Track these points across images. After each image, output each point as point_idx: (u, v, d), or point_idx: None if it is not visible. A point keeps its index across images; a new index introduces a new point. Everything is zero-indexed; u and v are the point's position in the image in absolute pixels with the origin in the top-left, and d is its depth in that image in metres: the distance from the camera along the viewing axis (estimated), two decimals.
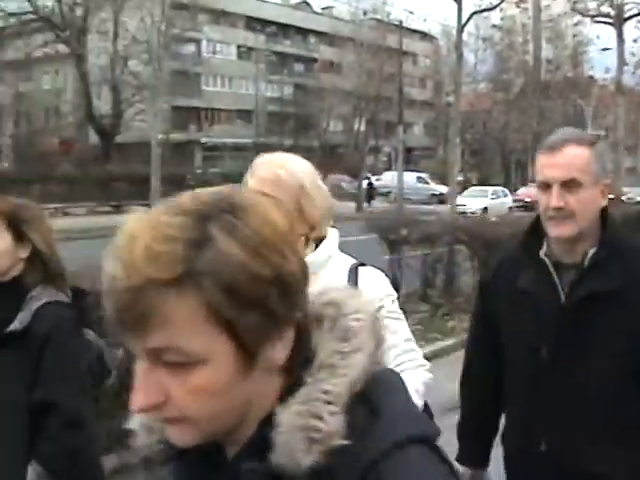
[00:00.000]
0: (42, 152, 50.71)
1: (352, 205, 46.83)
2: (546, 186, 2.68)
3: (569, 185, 2.64)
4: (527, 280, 2.79)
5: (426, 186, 55.20)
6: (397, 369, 2.54)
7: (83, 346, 3.14)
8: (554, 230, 2.69)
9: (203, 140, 65.77)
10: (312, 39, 76.84)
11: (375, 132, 55.46)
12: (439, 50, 71.77)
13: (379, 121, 53.63)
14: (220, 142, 65.55)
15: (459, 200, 40.96)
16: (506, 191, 49.32)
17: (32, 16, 48.65)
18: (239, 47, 69.72)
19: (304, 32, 76.32)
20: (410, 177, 51.96)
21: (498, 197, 47.02)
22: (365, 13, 59.38)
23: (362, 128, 51.33)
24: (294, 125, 69.09)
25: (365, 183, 50.63)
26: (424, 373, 2.83)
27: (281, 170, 2.71)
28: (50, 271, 3.08)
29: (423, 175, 58.82)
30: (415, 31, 67.46)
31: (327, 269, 2.74)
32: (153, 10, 39.90)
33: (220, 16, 59.40)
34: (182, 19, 45.88)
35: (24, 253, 3.04)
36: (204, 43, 62.98)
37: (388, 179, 54.15)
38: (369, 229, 14.54)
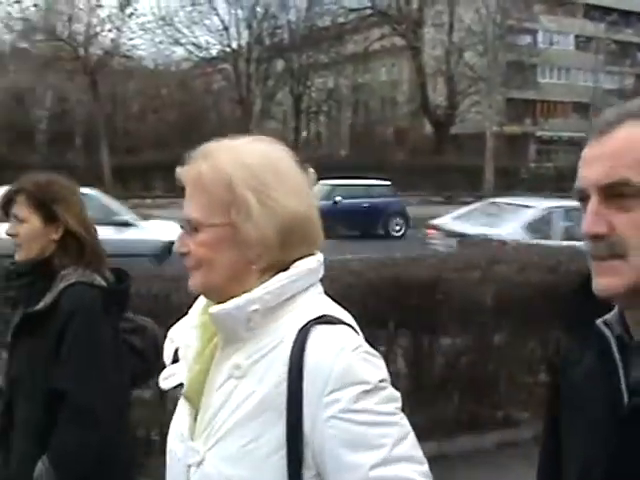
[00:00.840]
0: (377, 141, 52.34)
1: None
2: (584, 197, 1.51)
3: (616, 193, 1.44)
4: (585, 366, 1.65)
5: None
6: None
7: (114, 334, 2.87)
8: (596, 279, 1.49)
9: (538, 133, 64.82)
10: None
11: None
12: None
13: None
14: (555, 136, 64.34)
15: None
16: None
17: (370, 11, 51.00)
18: (577, 37, 67.93)
19: None
20: None
21: None
22: None
23: None
24: None
25: None
26: None
27: (204, 163, 1.71)
28: (86, 252, 2.87)
29: None
30: None
31: (270, 327, 1.67)
32: (488, 1, 40.12)
33: (557, 5, 58.35)
34: (518, 10, 45.62)
35: (56, 234, 2.87)
36: (540, 34, 61.97)
37: None
38: None
